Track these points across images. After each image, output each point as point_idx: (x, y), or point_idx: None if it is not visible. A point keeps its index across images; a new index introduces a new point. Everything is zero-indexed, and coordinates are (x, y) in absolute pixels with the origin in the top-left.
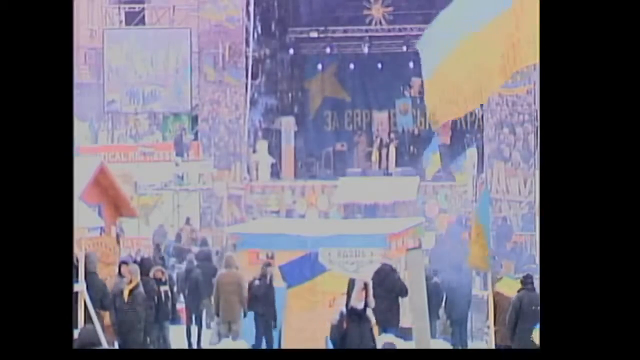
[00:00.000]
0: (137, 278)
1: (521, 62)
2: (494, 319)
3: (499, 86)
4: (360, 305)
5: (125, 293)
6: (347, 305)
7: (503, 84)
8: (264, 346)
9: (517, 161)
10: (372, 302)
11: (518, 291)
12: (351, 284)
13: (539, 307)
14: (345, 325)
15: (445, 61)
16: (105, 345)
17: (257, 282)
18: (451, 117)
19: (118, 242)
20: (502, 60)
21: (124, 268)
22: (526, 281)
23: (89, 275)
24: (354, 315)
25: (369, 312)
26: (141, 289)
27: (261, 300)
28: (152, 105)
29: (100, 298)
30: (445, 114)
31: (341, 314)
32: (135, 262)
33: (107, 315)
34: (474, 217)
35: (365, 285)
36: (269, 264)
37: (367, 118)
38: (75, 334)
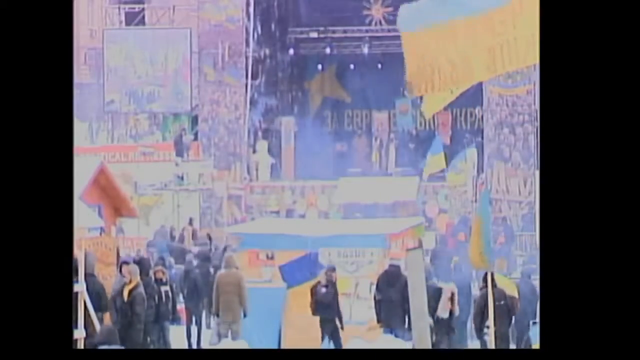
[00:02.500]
0: (137, 278)
1: (518, 63)
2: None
3: (482, 79)
4: (446, 315)
5: (125, 293)
6: (433, 315)
7: (487, 79)
8: (329, 346)
9: (517, 161)
10: (457, 310)
11: (480, 289)
12: (436, 292)
13: (502, 302)
14: (434, 336)
15: (428, 31)
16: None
17: (323, 289)
18: (424, 92)
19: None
20: (488, 55)
21: (124, 268)
22: (486, 277)
23: (87, 277)
24: (442, 325)
25: (454, 321)
26: (141, 289)
27: (328, 306)
28: (152, 106)
29: (98, 300)
30: (420, 88)
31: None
32: (134, 262)
33: (107, 316)
34: (474, 216)
35: (452, 294)
36: (334, 269)
37: (367, 118)
38: (78, 333)
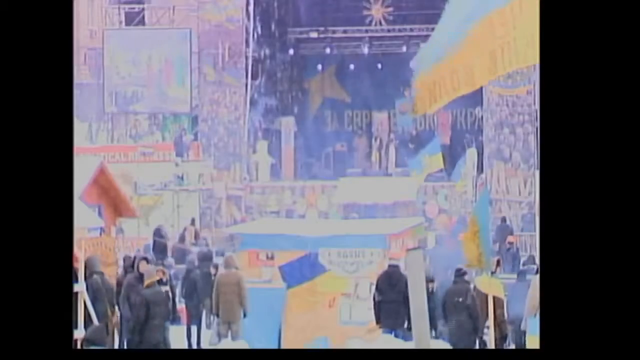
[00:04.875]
0: (152, 279)
1: (518, 63)
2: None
3: (483, 83)
4: None
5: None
6: None
7: (487, 82)
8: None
9: (517, 161)
10: None
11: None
12: None
13: (460, 299)
14: None
15: (439, 63)
16: (113, 344)
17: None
18: (429, 109)
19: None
20: (490, 59)
21: (142, 265)
22: (457, 274)
23: (97, 275)
24: None
25: None
26: (157, 289)
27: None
28: (152, 106)
29: (101, 300)
30: (425, 105)
31: None
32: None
33: (109, 315)
34: (472, 216)
35: None
36: (432, 280)
37: (367, 118)
38: (78, 333)
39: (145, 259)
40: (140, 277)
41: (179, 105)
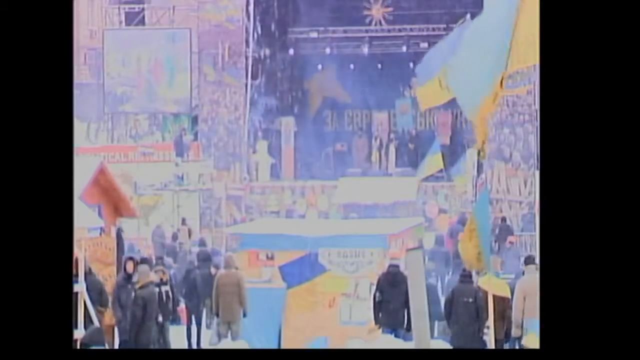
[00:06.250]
0: (146, 279)
1: (520, 63)
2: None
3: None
4: None
5: (135, 294)
6: None
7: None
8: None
9: (518, 161)
10: None
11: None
12: None
13: (470, 299)
14: None
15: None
16: (110, 344)
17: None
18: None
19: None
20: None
21: (134, 266)
22: (463, 274)
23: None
24: None
25: None
26: (152, 289)
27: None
28: (152, 106)
29: (98, 296)
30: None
31: None
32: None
33: (107, 315)
34: (471, 215)
35: None
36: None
37: (367, 118)
38: (78, 333)
39: (132, 258)
40: (128, 277)
41: (178, 106)
